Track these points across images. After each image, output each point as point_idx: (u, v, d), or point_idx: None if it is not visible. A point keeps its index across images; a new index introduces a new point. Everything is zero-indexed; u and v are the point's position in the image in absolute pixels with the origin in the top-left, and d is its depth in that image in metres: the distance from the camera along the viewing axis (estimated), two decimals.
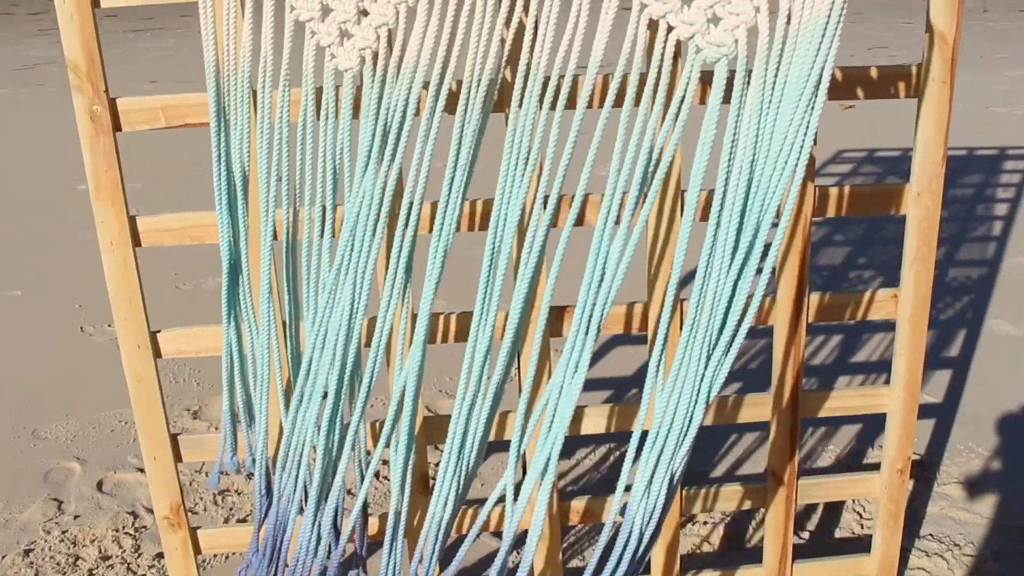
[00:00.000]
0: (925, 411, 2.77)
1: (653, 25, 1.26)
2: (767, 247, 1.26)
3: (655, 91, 1.24)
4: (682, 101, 1.23)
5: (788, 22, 1.19)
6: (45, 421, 2.89)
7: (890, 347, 3.13)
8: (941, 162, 1.60)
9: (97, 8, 1.48)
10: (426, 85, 1.34)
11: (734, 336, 1.27)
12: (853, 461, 2.54)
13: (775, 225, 1.27)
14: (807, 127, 1.16)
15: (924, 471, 2.48)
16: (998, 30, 10.46)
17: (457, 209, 1.36)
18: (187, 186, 5.25)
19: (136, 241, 1.60)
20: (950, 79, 1.55)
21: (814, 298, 1.70)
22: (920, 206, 1.62)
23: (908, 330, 1.71)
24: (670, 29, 1.23)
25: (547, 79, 1.30)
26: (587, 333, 1.35)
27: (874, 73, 1.58)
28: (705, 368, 1.29)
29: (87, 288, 3.87)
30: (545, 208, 1.35)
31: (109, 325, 3.54)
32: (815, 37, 1.15)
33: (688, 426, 1.32)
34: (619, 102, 1.31)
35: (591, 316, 1.34)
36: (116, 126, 1.54)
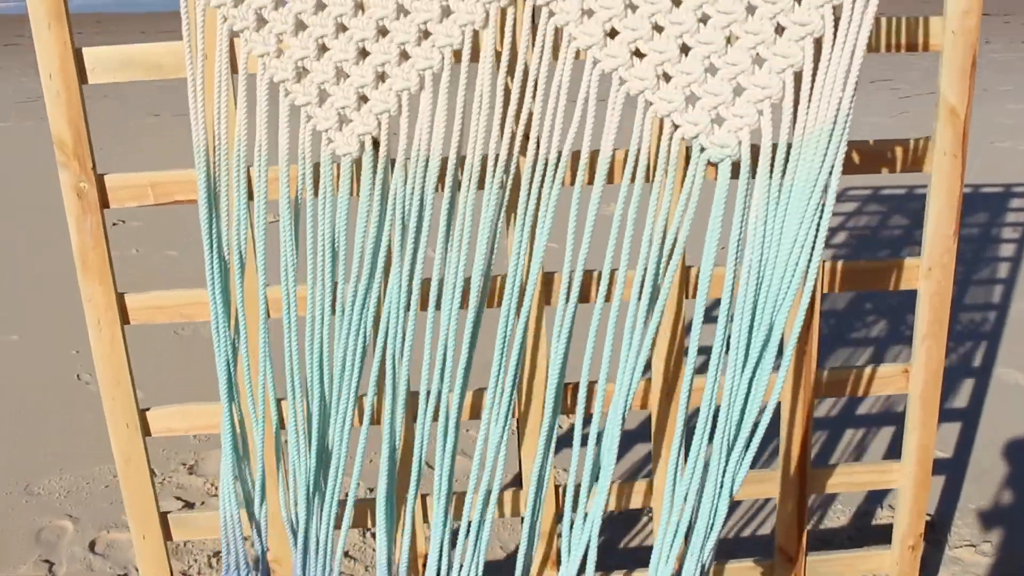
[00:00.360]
0: (934, 467, 2.71)
1: (659, 122, 1.24)
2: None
3: (663, 186, 1.22)
4: (688, 197, 1.20)
5: (793, 124, 1.16)
6: (38, 475, 2.84)
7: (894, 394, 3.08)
8: (953, 236, 1.56)
9: (85, 84, 1.45)
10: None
11: (753, 432, 1.25)
12: (862, 523, 2.48)
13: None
14: (817, 229, 1.13)
15: (935, 533, 2.42)
16: (1001, 61, 10.43)
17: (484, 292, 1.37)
18: (191, 224, 5.22)
19: (125, 319, 1.56)
20: (961, 153, 1.51)
21: (821, 373, 1.65)
22: (931, 281, 1.58)
23: (919, 406, 1.67)
24: (675, 127, 1.20)
25: (555, 167, 1.29)
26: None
27: (872, 144, 1.54)
28: (727, 463, 1.28)
29: (85, 332, 3.83)
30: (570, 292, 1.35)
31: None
32: (821, 143, 1.12)
33: (714, 520, 1.32)
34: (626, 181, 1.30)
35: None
36: (104, 203, 1.50)
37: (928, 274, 1.58)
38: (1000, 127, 7.18)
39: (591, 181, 1.32)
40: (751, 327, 1.19)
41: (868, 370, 1.66)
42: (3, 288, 4.47)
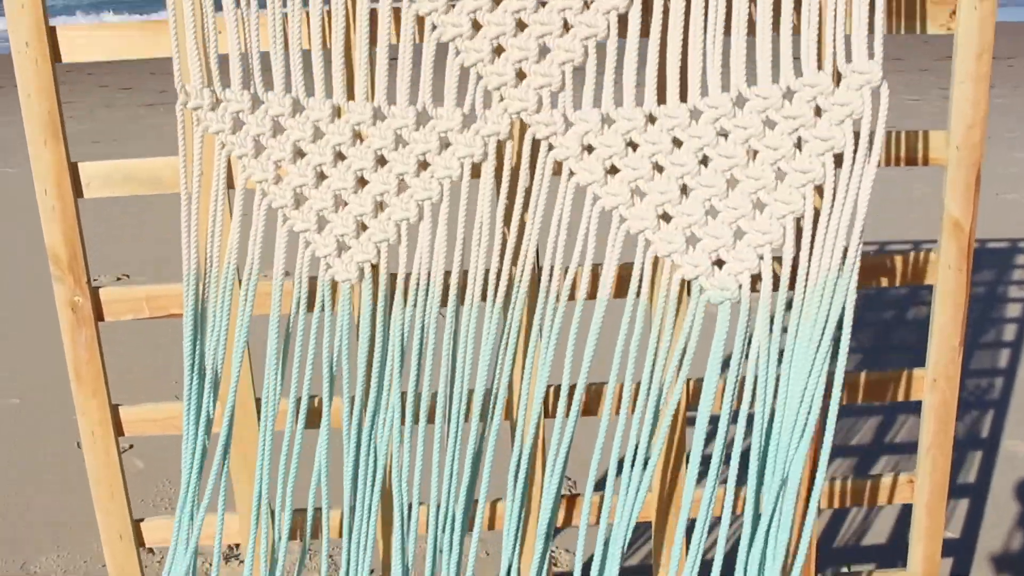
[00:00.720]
0: (943, 548, 2.67)
1: (658, 262, 1.23)
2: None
3: (662, 325, 1.20)
4: (688, 337, 1.18)
5: (794, 271, 1.15)
6: (35, 552, 2.81)
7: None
8: (958, 348, 1.54)
9: (81, 198, 1.44)
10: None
11: None
12: None
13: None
14: (824, 384, 1.10)
15: None
16: (1005, 107, 10.38)
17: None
18: None
19: (119, 431, 1.55)
20: (966, 266, 1.50)
21: (827, 484, 1.63)
22: (936, 392, 1.56)
23: (925, 515, 1.64)
24: (675, 268, 1.19)
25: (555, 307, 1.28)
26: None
27: (872, 256, 1.52)
28: None
29: None
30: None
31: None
32: (826, 293, 1.10)
33: None
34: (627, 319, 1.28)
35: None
36: (98, 316, 1.49)
37: (933, 385, 1.56)
38: (1005, 177, 7.09)
39: (593, 296, 1.32)
40: (760, 476, 1.17)
41: (872, 481, 1.64)
42: (6, 343, 4.45)
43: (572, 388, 1.40)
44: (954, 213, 1.47)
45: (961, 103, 1.42)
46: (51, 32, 1.38)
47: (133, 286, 1.50)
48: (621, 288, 1.39)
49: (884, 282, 1.52)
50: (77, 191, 1.44)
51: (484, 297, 1.28)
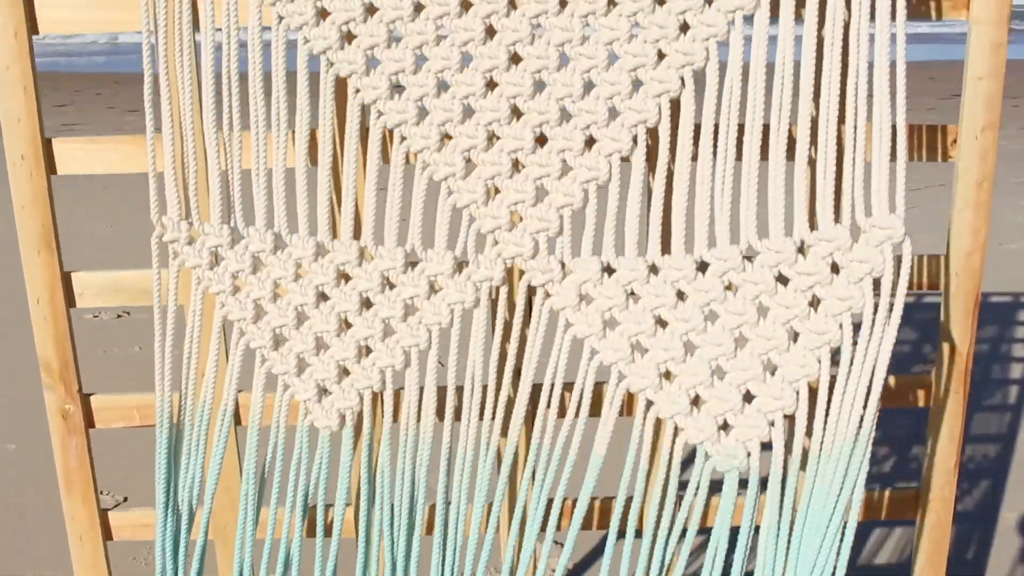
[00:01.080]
0: None
1: (660, 424, 1.20)
2: None
3: (663, 496, 1.18)
4: (692, 508, 1.16)
5: (808, 435, 1.12)
6: None
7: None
8: (953, 469, 1.54)
9: (73, 308, 1.44)
10: None
11: None
12: None
13: None
14: (838, 554, 1.08)
15: None
16: (1013, 151, 10.28)
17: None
18: None
19: (107, 536, 1.54)
20: (963, 389, 1.49)
21: None
22: (931, 513, 1.55)
23: None
24: (678, 431, 1.16)
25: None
26: None
27: (891, 382, 1.52)
28: None
29: None
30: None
31: (103, 493, 3.45)
32: (840, 463, 1.07)
33: None
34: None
35: None
36: (89, 423, 1.49)
37: (928, 506, 1.55)
38: (1010, 225, 7.01)
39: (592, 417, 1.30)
40: None
41: None
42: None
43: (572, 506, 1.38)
44: (953, 338, 1.46)
45: (961, 230, 1.41)
46: (47, 145, 1.39)
47: (125, 394, 1.50)
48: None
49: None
50: (69, 301, 1.44)
51: (476, 441, 1.26)
